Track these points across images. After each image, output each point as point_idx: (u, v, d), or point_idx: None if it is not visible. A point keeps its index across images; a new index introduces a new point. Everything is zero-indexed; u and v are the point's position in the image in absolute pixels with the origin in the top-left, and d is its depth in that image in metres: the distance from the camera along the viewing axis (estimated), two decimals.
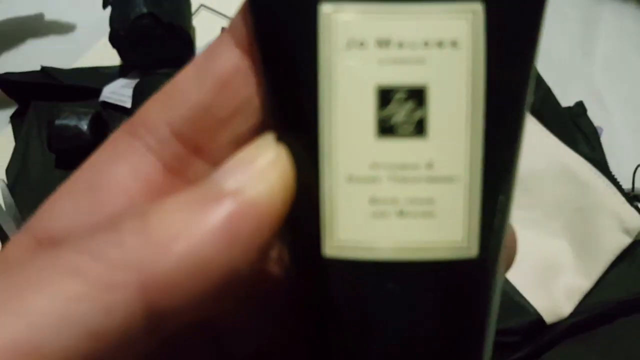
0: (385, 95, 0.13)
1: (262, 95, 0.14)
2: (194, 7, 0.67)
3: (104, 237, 0.11)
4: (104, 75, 0.62)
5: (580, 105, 0.57)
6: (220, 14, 0.68)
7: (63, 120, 0.53)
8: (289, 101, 0.13)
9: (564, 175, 0.50)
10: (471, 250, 0.13)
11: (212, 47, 0.14)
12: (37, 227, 0.14)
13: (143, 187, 0.14)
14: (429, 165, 0.13)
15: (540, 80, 0.59)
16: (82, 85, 0.60)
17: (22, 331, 0.10)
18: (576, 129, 0.55)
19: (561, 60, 0.63)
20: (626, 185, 0.53)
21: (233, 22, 0.14)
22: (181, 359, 0.15)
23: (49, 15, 0.69)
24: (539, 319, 0.44)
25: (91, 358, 0.11)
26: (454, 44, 0.12)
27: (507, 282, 0.45)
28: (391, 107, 0.13)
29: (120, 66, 0.62)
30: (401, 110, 0.13)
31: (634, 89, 0.62)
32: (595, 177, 0.50)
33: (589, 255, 0.47)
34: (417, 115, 0.13)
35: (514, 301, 0.45)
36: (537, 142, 0.52)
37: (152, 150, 0.14)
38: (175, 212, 0.12)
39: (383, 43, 0.13)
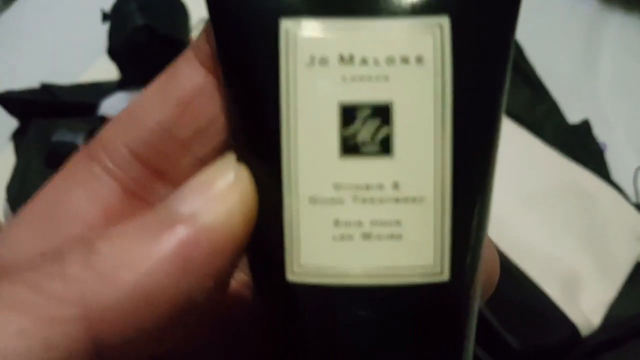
0: (348, 113, 0.12)
1: (225, 115, 0.14)
2: (194, 21, 0.67)
3: (48, 269, 0.11)
4: (104, 90, 0.62)
5: (586, 123, 0.58)
6: None
7: (59, 136, 0.53)
8: (251, 120, 0.13)
9: (572, 190, 0.51)
10: (443, 274, 0.12)
11: (175, 66, 0.14)
12: None
13: (101, 212, 0.14)
14: (395, 186, 0.12)
15: (545, 94, 0.60)
16: (82, 100, 0.61)
17: None
18: (581, 147, 0.56)
19: (565, 76, 0.63)
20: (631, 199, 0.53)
21: (197, 40, 0.14)
22: None
23: (49, 32, 0.70)
24: (575, 332, 0.45)
25: None
26: (419, 59, 0.12)
27: (544, 295, 0.45)
28: (355, 126, 0.12)
29: (120, 80, 0.63)
30: (365, 129, 0.12)
31: (638, 103, 0.63)
32: (602, 189, 0.51)
33: (608, 266, 0.48)
34: (382, 133, 0.12)
35: (553, 315, 0.45)
36: (539, 159, 0.53)
37: (111, 174, 0.14)
38: (123, 240, 0.11)
39: (346, 59, 0.12)
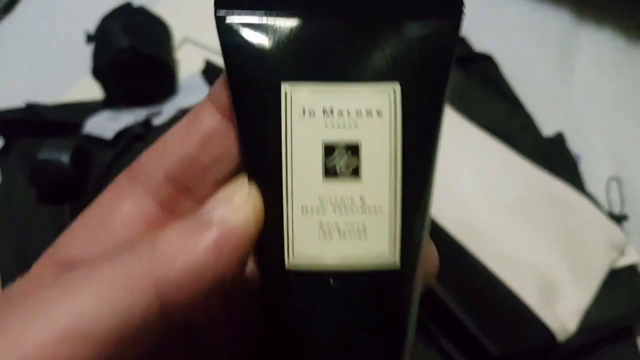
0: (329, 149, 0.18)
1: (238, 147, 0.20)
2: (178, 41, 0.71)
3: (126, 255, 0.17)
4: (88, 109, 0.64)
5: (560, 136, 0.61)
6: (205, 47, 0.71)
7: (44, 154, 0.55)
8: (258, 153, 0.19)
9: (547, 199, 0.54)
10: (395, 263, 0.19)
11: (196, 111, 0.20)
12: (58, 253, 0.19)
13: (143, 221, 0.19)
14: (362, 199, 0.18)
15: (520, 108, 0.63)
16: (66, 120, 0.63)
17: (71, 314, 0.15)
18: (556, 159, 0.59)
19: (540, 88, 0.66)
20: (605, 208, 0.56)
21: (213, 91, 0.20)
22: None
23: (34, 51, 0.73)
24: (551, 337, 0.47)
25: (120, 344, 0.16)
26: (379, 112, 0.18)
27: (521, 302, 0.47)
28: (334, 157, 0.18)
29: (104, 99, 0.66)
30: (341, 160, 0.18)
31: (612, 114, 0.66)
32: (577, 199, 0.55)
33: (583, 273, 0.51)
34: (353, 163, 0.18)
35: (530, 320, 0.47)
36: (515, 170, 0.56)
37: (149, 192, 0.19)
38: (177, 236, 0.17)
39: (327, 112, 0.18)
